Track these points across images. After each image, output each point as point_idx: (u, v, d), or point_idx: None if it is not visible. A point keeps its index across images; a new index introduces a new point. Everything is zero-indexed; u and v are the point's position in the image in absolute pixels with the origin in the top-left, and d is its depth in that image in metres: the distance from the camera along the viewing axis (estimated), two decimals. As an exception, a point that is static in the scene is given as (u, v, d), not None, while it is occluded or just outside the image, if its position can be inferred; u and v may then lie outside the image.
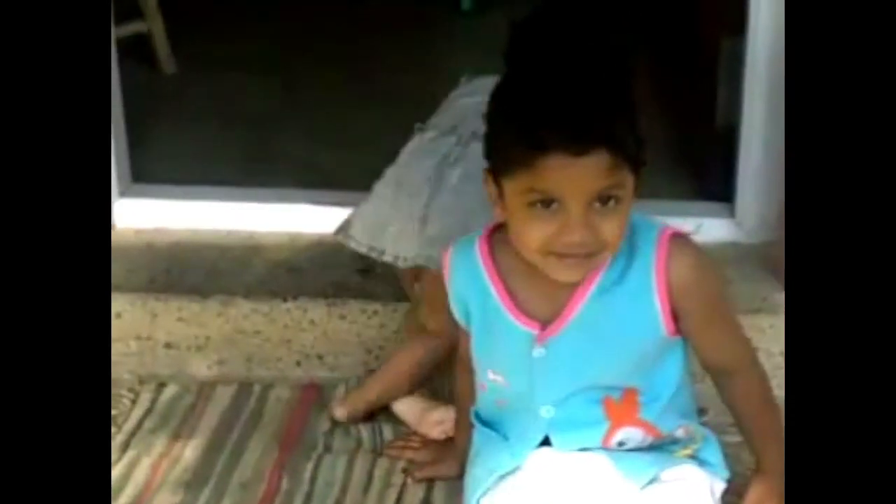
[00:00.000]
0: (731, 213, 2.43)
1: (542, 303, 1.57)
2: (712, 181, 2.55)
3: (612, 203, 1.46)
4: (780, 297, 2.23)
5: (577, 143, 1.41)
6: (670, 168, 2.70)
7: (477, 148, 1.89)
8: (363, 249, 2.04)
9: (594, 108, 1.43)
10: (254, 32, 3.69)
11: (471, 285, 1.62)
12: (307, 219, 2.49)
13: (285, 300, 2.26)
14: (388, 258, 2.01)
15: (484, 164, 1.54)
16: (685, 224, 2.35)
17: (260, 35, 3.67)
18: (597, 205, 1.45)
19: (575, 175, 1.42)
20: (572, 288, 1.55)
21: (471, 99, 2.06)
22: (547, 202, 1.45)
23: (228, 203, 2.54)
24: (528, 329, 1.58)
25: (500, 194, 1.50)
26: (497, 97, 1.50)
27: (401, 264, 2.01)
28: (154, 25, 3.36)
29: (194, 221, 2.51)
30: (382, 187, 2.07)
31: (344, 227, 2.09)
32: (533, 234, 1.47)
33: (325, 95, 3.22)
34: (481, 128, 1.83)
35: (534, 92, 1.45)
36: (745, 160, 2.39)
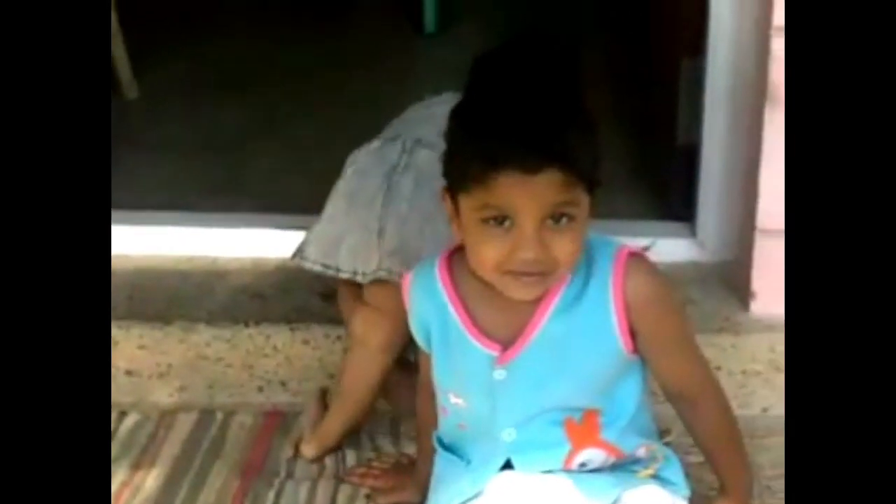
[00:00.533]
0: (693, 233, 2.44)
1: (503, 324, 1.57)
2: (673, 201, 2.56)
3: (564, 221, 1.47)
4: (742, 317, 2.24)
5: (530, 160, 1.42)
6: (631, 187, 2.71)
7: (424, 154, 1.93)
8: (318, 268, 2.01)
9: (547, 127, 1.44)
10: (216, 57, 3.68)
11: (431, 308, 1.62)
12: (270, 244, 2.48)
13: (248, 326, 2.25)
14: (345, 275, 1.98)
15: (441, 181, 1.54)
16: (641, 240, 2.39)
17: (222, 59, 3.67)
18: (550, 222, 1.46)
19: (527, 192, 1.43)
20: (532, 308, 1.55)
21: (415, 113, 2.07)
22: (500, 219, 1.46)
23: (191, 228, 2.53)
24: (488, 350, 1.58)
25: (457, 212, 1.51)
26: (455, 115, 1.51)
27: (360, 279, 1.97)
28: (116, 50, 3.34)
29: (156, 247, 2.50)
30: (333, 203, 2.04)
31: (299, 250, 2.06)
32: (487, 252, 1.48)
33: (288, 119, 3.22)
34: (426, 134, 1.86)
35: (489, 110, 1.46)
36: (705, 179, 2.39)
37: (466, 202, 1.48)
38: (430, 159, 1.88)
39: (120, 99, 3.35)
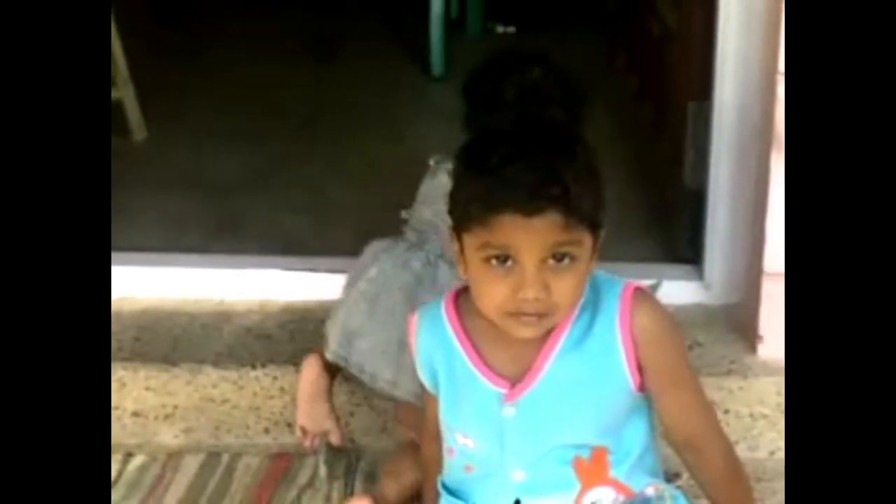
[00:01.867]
0: (700, 276, 2.44)
1: (511, 361, 1.58)
2: (681, 243, 2.56)
3: (567, 261, 1.47)
4: (749, 359, 2.24)
5: (529, 203, 1.44)
6: (639, 230, 2.72)
7: (444, 271, 2.00)
8: (342, 363, 2.04)
9: (547, 169, 1.45)
10: (224, 100, 3.70)
11: (438, 347, 1.62)
12: (276, 285, 2.49)
13: (254, 367, 2.25)
14: (365, 377, 2.01)
15: (450, 222, 1.56)
16: (648, 280, 2.39)
17: (230, 102, 3.68)
18: (551, 262, 1.47)
19: (528, 233, 1.44)
20: (540, 345, 1.55)
21: (428, 210, 2.09)
22: (502, 258, 1.47)
23: (197, 269, 2.54)
24: (497, 388, 1.58)
25: (462, 252, 1.52)
26: (460, 156, 1.53)
27: (379, 385, 2.01)
28: (125, 93, 3.37)
29: (163, 288, 2.50)
30: (356, 299, 2.05)
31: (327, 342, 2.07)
32: (490, 292, 1.49)
33: (295, 161, 3.23)
34: (443, 249, 1.91)
35: (490, 151, 1.47)
36: (712, 222, 2.40)
37: (469, 241, 1.50)
38: (450, 276, 1.96)
39: (129, 140, 3.37)
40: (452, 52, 3.98)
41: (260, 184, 3.08)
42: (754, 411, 2.19)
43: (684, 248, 2.53)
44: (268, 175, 3.14)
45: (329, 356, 2.05)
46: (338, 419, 2.11)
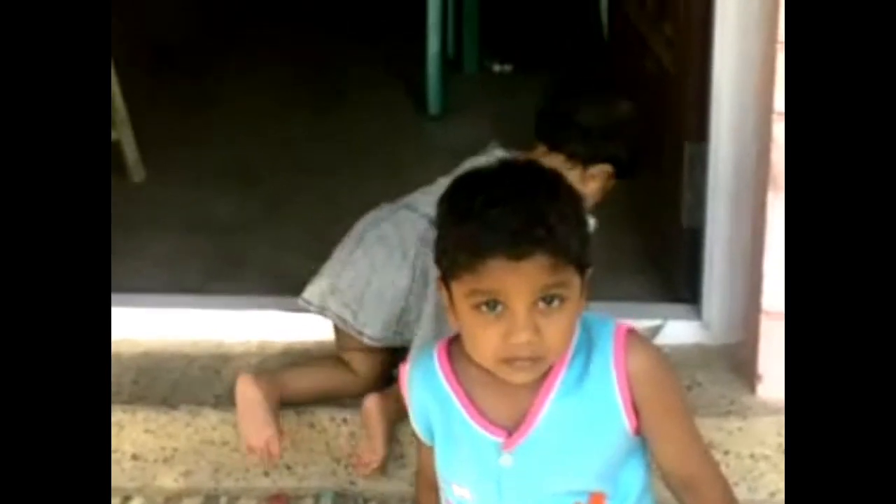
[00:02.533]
0: (698, 315, 2.45)
1: (506, 409, 1.57)
2: (679, 283, 2.57)
3: (556, 303, 1.47)
4: (749, 400, 2.24)
5: (515, 248, 1.43)
6: (637, 270, 2.72)
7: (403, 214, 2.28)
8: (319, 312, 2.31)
9: (531, 211, 1.45)
10: (222, 140, 3.72)
11: (432, 397, 1.61)
12: (276, 326, 2.49)
13: (253, 409, 2.24)
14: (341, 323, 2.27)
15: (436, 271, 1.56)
16: (649, 321, 2.40)
17: (228, 143, 3.70)
18: (541, 305, 1.46)
19: (516, 277, 1.44)
20: (534, 392, 1.54)
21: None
22: (492, 304, 1.46)
23: (196, 310, 2.54)
24: (494, 437, 1.57)
25: (451, 300, 1.51)
26: (443, 202, 1.53)
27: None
28: (123, 135, 3.38)
29: (162, 330, 2.50)
30: (355, 260, 2.30)
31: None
32: (482, 339, 1.49)
33: (293, 201, 3.24)
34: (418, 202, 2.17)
35: (474, 198, 1.47)
36: (709, 262, 2.41)
37: (458, 289, 1.49)
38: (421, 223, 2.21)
39: (126, 181, 3.37)
40: (449, 90, 3.99)
41: (258, 224, 3.09)
42: (754, 452, 2.18)
43: (682, 288, 2.53)
44: (266, 215, 3.15)
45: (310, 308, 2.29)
46: (281, 432, 2.15)
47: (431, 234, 1.90)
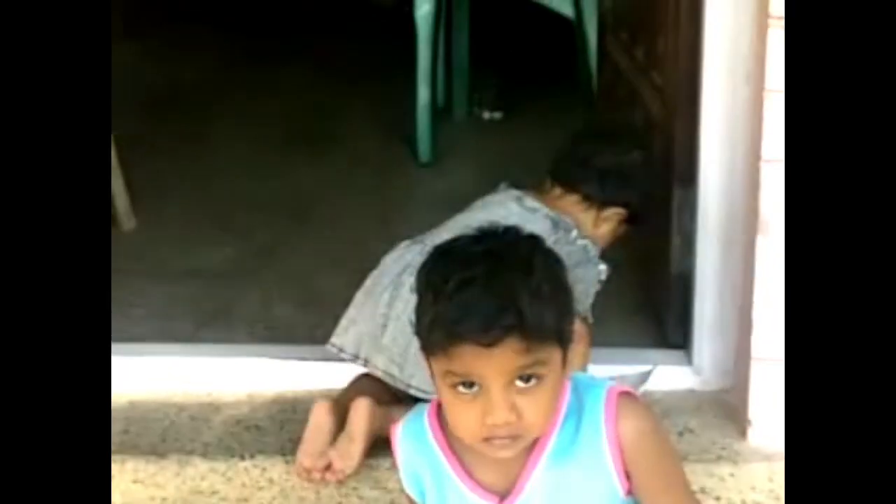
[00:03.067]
0: (689, 361, 2.44)
1: (497, 475, 1.56)
2: (669, 329, 2.56)
3: (533, 381, 1.45)
4: (740, 445, 2.23)
5: (486, 336, 1.41)
6: (627, 316, 2.72)
7: None
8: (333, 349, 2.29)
9: (502, 294, 1.42)
10: (212, 189, 3.72)
11: (423, 461, 1.60)
12: (266, 375, 2.48)
13: (243, 458, 2.24)
14: (347, 356, 2.27)
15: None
16: (641, 367, 2.39)
17: (219, 192, 3.70)
18: (519, 383, 1.45)
19: (489, 362, 1.42)
20: (525, 457, 1.53)
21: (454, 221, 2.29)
22: (468, 384, 1.45)
23: (185, 359, 2.53)
24: (486, 502, 1.56)
25: (432, 373, 1.51)
26: (421, 273, 1.52)
27: (360, 364, 2.26)
28: (114, 183, 3.37)
29: (151, 379, 2.49)
30: (355, 297, 2.31)
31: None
32: (461, 419, 1.48)
33: (283, 250, 3.24)
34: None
35: (449, 277, 1.45)
36: (699, 308, 2.41)
37: (435, 367, 1.48)
38: None
39: (117, 230, 3.37)
40: (439, 138, 4.01)
41: (248, 273, 3.09)
42: (746, 498, 2.17)
43: (673, 334, 2.53)
44: (257, 263, 3.14)
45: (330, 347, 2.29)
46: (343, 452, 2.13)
47: None
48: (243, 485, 2.22)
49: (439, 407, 1.59)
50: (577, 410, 1.53)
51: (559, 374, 1.48)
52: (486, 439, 1.47)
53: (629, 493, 1.56)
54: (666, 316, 2.58)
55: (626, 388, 1.57)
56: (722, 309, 2.38)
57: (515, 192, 2.33)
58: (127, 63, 4.22)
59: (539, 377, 1.45)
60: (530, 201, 2.31)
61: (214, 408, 2.40)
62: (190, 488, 2.23)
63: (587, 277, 2.23)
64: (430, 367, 1.51)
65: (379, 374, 2.24)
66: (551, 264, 1.50)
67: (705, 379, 2.42)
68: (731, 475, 2.17)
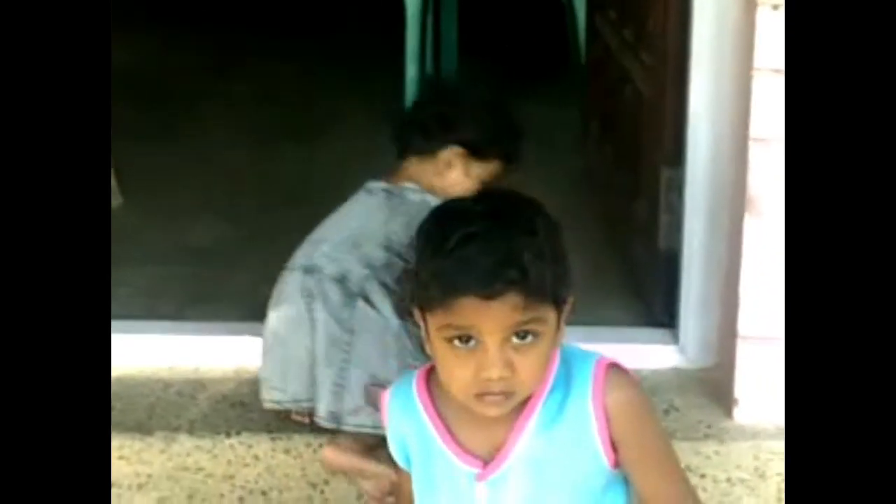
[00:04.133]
0: (675, 339, 2.45)
1: (483, 440, 1.56)
2: (655, 307, 2.57)
3: (529, 338, 1.47)
4: (725, 423, 2.24)
5: (487, 288, 1.43)
6: (613, 294, 2.72)
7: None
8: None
9: (505, 250, 1.44)
10: (201, 168, 3.71)
11: (410, 425, 1.61)
12: (251, 352, 2.47)
13: (229, 435, 2.24)
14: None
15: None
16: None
17: (207, 171, 3.69)
18: (515, 340, 1.46)
19: (488, 314, 1.44)
20: (511, 423, 1.54)
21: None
22: (465, 339, 1.47)
23: (171, 336, 2.53)
24: (469, 467, 1.56)
25: (427, 330, 1.51)
26: (420, 234, 1.53)
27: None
28: (100, 160, 3.36)
29: (137, 356, 2.49)
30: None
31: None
32: (455, 373, 1.49)
33: (272, 232, 3.22)
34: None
35: (448, 235, 1.46)
36: (686, 286, 2.41)
37: (432, 322, 1.49)
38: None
39: (103, 207, 3.36)
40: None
41: (235, 251, 3.08)
42: (731, 476, 2.18)
43: (659, 313, 2.53)
44: (243, 243, 3.13)
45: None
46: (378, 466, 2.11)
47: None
48: (229, 462, 2.22)
49: (427, 374, 1.60)
50: (566, 379, 1.54)
51: (553, 335, 1.50)
52: (479, 395, 1.48)
53: (616, 465, 1.56)
54: (652, 294, 2.59)
55: (615, 360, 1.58)
56: (708, 287, 2.38)
57: (369, 185, 2.34)
58: (117, 45, 4.19)
59: (535, 335, 1.47)
60: (373, 184, 2.32)
61: (200, 384, 2.40)
62: (175, 465, 2.23)
63: None
64: (424, 323, 1.51)
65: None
66: (552, 228, 1.51)
67: (691, 357, 2.43)
68: (717, 453, 2.18)
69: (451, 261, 1.44)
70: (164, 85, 4.55)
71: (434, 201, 2.15)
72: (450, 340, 1.47)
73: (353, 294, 2.19)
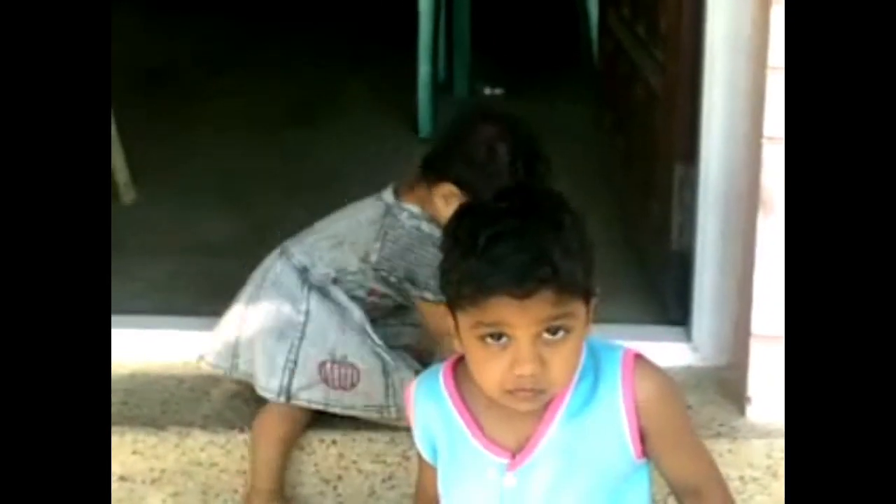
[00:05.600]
0: (688, 337, 2.45)
1: (511, 431, 1.57)
2: (668, 305, 2.57)
3: (561, 334, 1.48)
4: (738, 422, 2.24)
5: (520, 287, 1.43)
6: (627, 292, 2.72)
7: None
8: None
9: (535, 248, 1.45)
10: (213, 162, 3.71)
11: (437, 417, 1.61)
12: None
13: (242, 430, 2.24)
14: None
15: (442, 297, 1.56)
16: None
17: (219, 165, 3.69)
18: (546, 336, 1.47)
19: (520, 311, 1.45)
20: (539, 415, 1.55)
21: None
22: (496, 336, 1.47)
23: (185, 332, 2.53)
24: (498, 458, 1.57)
25: (457, 327, 1.52)
26: (448, 233, 1.53)
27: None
28: (114, 155, 3.37)
29: (150, 352, 2.50)
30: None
31: None
32: (487, 370, 1.49)
33: (283, 224, 3.22)
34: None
35: (479, 233, 1.47)
36: (699, 285, 2.41)
37: (463, 320, 1.50)
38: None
39: (117, 203, 3.37)
40: (440, 113, 4.00)
41: (248, 245, 3.07)
42: (744, 474, 2.18)
43: (672, 311, 2.53)
44: (256, 236, 3.13)
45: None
46: None
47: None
48: (242, 457, 2.23)
49: (454, 365, 1.61)
50: (594, 370, 1.56)
51: (583, 329, 1.51)
52: (510, 391, 1.49)
53: (642, 455, 1.57)
54: (665, 292, 2.59)
55: (639, 352, 1.59)
56: (722, 286, 2.38)
57: (383, 193, 2.31)
58: (128, 37, 4.21)
59: (566, 330, 1.48)
60: (386, 193, 2.29)
61: (214, 380, 2.40)
62: (189, 460, 2.23)
63: (423, 259, 2.19)
64: (455, 321, 1.52)
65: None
66: (578, 221, 1.52)
67: (704, 356, 2.42)
68: (730, 451, 2.18)
69: (483, 261, 1.45)
70: (175, 77, 4.56)
71: (427, 230, 2.19)
72: (482, 338, 1.48)
73: (311, 286, 2.24)
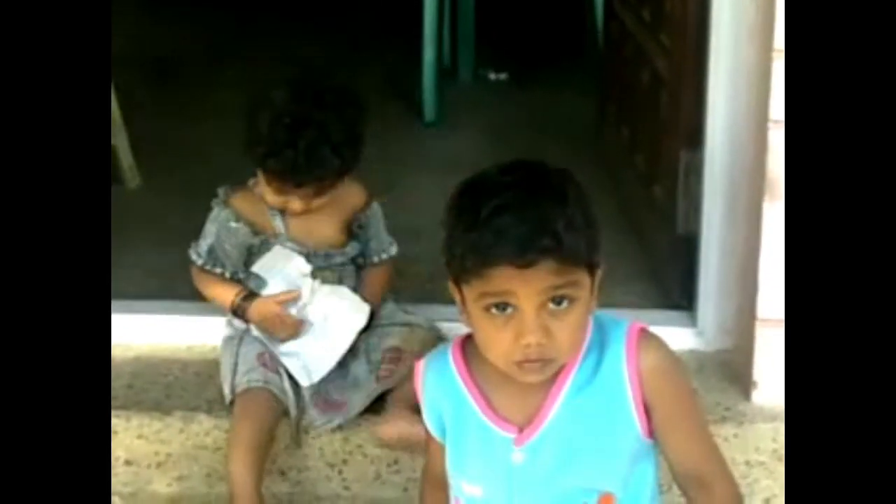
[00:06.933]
0: (693, 322, 2.45)
1: (518, 406, 1.58)
2: (673, 290, 2.56)
3: (565, 304, 1.48)
4: (743, 406, 2.24)
5: (522, 257, 1.44)
6: (632, 277, 2.72)
7: None
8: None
9: (538, 219, 1.45)
10: (218, 149, 3.70)
11: (445, 393, 1.62)
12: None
13: (247, 415, 2.24)
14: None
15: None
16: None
17: (224, 151, 3.68)
18: (551, 306, 1.48)
19: (524, 281, 1.45)
20: (547, 389, 1.55)
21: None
22: (502, 306, 1.48)
23: (190, 317, 2.53)
24: (505, 433, 1.58)
25: (463, 301, 1.52)
26: (451, 206, 1.53)
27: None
28: (119, 140, 3.37)
29: (156, 336, 2.50)
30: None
31: None
32: (493, 341, 1.50)
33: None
34: None
35: (481, 205, 1.47)
36: (705, 269, 2.41)
37: (468, 292, 1.50)
38: None
39: (121, 187, 3.36)
40: (444, 98, 4.00)
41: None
42: (750, 458, 2.18)
43: (677, 295, 2.53)
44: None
45: None
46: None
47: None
48: (247, 441, 2.22)
49: (462, 342, 1.62)
50: (599, 344, 1.56)
51: (588, 300, 1.51)
52: (518, 362, 1.49)
53: (649, 434, 1.57)
54: (671, 277, 2.59)
55: (645, 325, 1.59)
56: (727, 270, 2.38)
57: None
58: (134, 28, 4.20)
59: (571, 300, 1.48)
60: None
61: (218, 364, 2.39)
62: (194, 444, 2.24)
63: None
64: (461, 295, 1.52)
65: None
66: (581, 194, 1.52)
67: (709, 340, 2.43)
68: (735, 436, 2.18)
69: (486, 232, 1.45)
70: (180, 67, 4.56)
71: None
72: (487, 309, 1.48)
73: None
